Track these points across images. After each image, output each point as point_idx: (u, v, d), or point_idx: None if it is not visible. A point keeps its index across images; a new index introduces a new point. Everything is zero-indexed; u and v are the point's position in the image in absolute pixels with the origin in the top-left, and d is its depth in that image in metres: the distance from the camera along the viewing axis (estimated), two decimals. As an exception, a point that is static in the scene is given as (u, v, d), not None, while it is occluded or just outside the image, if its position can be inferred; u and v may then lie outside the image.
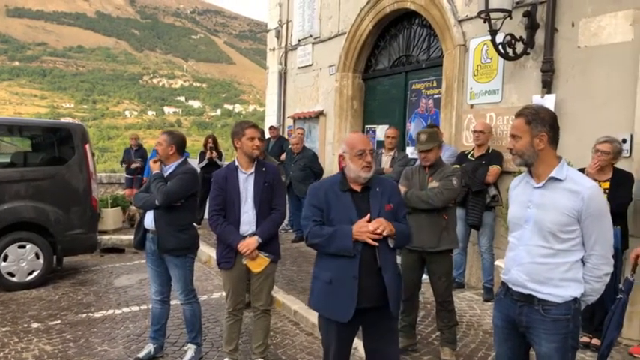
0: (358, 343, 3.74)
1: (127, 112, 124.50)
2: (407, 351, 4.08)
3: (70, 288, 6.15)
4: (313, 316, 4.64)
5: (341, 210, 2.79)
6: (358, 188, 2.85)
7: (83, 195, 6.54)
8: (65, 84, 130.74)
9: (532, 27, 5.25)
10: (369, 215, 2.74)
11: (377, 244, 2.69)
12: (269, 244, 3.71)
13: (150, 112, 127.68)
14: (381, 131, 7.65)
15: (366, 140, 2.92)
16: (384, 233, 2.68)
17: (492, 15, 5.11)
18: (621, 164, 4.27)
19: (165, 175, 3.96)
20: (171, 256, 3.92)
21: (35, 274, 6.14)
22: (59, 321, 5.00)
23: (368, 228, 2.67)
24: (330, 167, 8.43)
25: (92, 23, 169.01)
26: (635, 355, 4.05)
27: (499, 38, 5.28)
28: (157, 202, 3.81)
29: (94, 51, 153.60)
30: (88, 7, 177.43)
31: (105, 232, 8.65)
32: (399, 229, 2.80)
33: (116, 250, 8.31)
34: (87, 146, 6.63)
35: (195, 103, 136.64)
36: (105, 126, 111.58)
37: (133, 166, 10.62)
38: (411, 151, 6.86)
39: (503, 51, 5.31)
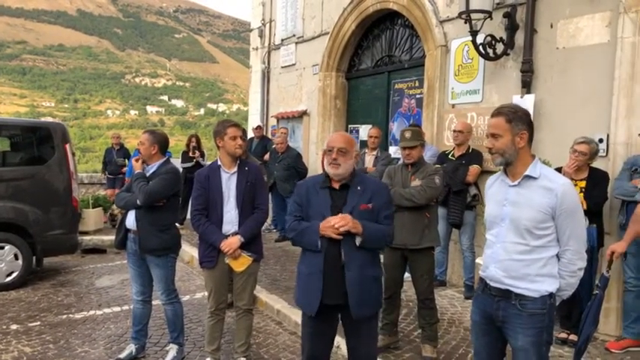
0: (341, 342, 3.77)
1: (109, 112, 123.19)
2: (389, 349, 4.12)
3: (50, 289, 6.07)
4: (296, 315, 4.65)
5: (317, 206, 2.85)
6: (337, 185, 2.87)
7: (63, 195, 6.46)
8: (45, 83, 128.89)
9: (512, 28, 5.33)
10: (341, 213, 2.77)
11: (340, 237, 2.71)
12: (252, 243, 3.71)
13: (132, 112, 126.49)
14: (364, 131, 7.69)
15: (341, 138, 2.90)
16: (342, 229, 2.68)
17: (473, 16, 5.17)
18: (597, 163, 4.36)
19: (148, 174, 3.93)
20: (152, 256, 3.89)
21: (14, 275, 6.04)
22: (39, 322, 4.94)
23: (330, 223, 2.70)
24: (313, 166, 8.44)
25: (73, 21, 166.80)
26: (612, 351, 4.13)
27: (480, 39, 5.34)
28: (138, 202, 3.79)
29: (75, 49, 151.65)
30: (69, 5, 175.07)
31: (86, 233, 8.55)
32: (371, 229, 2.76)
33: (97, 250, 8.22)
34: (67, 146, 6.55)
35: (179, 103, 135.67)
36: (86, 126, 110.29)
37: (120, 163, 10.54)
38: (393, 151, 6.91)
39: (483, 51, 5.37)
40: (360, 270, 2.76)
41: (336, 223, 2.69)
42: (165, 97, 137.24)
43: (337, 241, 2.72)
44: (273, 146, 8.34)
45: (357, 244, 2.74)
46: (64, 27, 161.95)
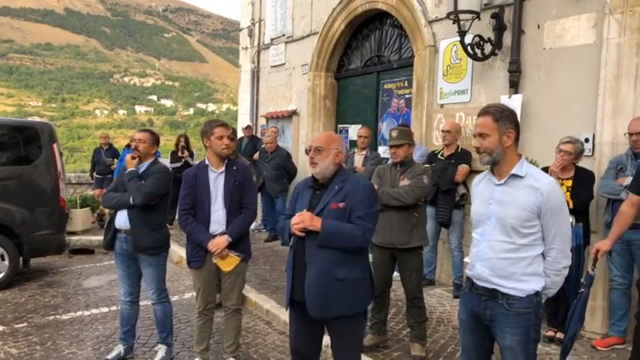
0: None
1: (97, 112, 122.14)
2: (378, 348, 4.13)
3: (37, 290, 6.02)
4: (285, 315, 4.64)
5: (300, 205, 2.89)
6: (318, 185, 2.92)
7: (51, 195, 6.42)
8: (33, 82, 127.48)
9: (500, 28, 5.36)
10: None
11: (302, 234, 2.73)
12: (239, 243, 3.71)
13: (121, 112, 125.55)
14: (354, 131, 7.70)
15: (321, 137, 2.93)
16: (295, 227, 2.72)
17: (461, 16, 5.20)
18: (583, 163, 4.40)
19: (139, 172, 3.93)
20: (145, 255, 3.89)
21: (0, 276, 5.98)
22: (25, 324, 4.89)
23: (294, 221, 2.75)
24: (303, 166, 8.44)
25: (61, 20, 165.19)
26: (598, 348, 4.18)
27: (468, 39, 5.37)
28: (134, 201, 3.79)
29: (62, 48, 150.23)
30: (57, 3, 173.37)
31: (74, 233, 8.48)
32: (332, 227, 2.70)
33: (85, 251, 8.16)
34: (54, 145, 6.51)
35: (168, 102, 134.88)
36: (74, 125, 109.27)
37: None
38: (382, 150, 6.93)
39: (471, 52, 5.40)
40: (321, 269, 2.71)
41: (296, 222, 2.74)
42: (155, 97, 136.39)
43: (304, 238, 2.77)
44: (263, 146, 8.33)
45: (318, 242, 2.71)
46: (51, 26, 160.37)
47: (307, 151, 2.92)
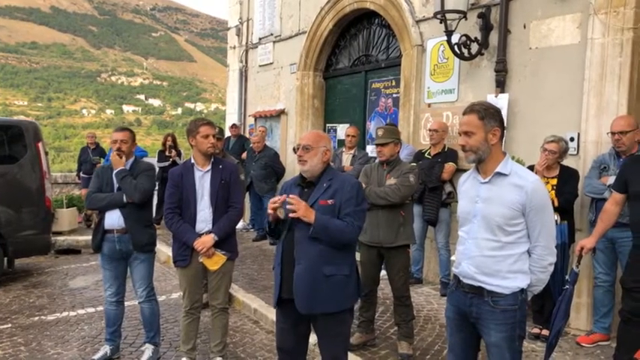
0: (317, 339, 3.77)
1: (84, 111, 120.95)
2: (365, 346, 4.14)
3: (22, 291, 5.95)
4: (273, 314, 4.64)
5: (287, 203, 2.85)
6: (306, 183, 2.93)
7: (36, 195, 6.35)
8: (18, 81, 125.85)
9: (486, 28, 5.40)
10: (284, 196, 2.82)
11: (295, 215, 2.70)
12: (226, 241, 3.70)
13: (108, 111, 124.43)
14: (342, 130, 7.71)
15: (309, 136, 2.94)
16: (291, 214, 2.69)
17: (448, 16, 5.22)
18: (568, 161, 4.45)
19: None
20: (141, 252, 3.91)
21: (-16, 277, 5.92)
22: (10, 325, 4.84)
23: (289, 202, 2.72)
24: (291, 166, 8.43)
25: (47, 18, 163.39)
26: (583, 345, 4.22)
27: (455, 39, 5.39)
28: (132, 199, 3.81)
29: (48, 47, 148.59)
30: (42, 1, 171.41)
31: (60, 233, 8.40)
32: (322, 220, 2.72)
33: (72, 251, 8.09)
34: (39, 144, 6.44)
35: (156, 102, 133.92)
36: (61, 125, 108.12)
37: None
38: (370, 150, 6.94)
39: (458, 51, 5.43)
40: (309, 265, 2.74)
41: (276, 201, 2.76)
42: (142, 97, 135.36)
43: (293, 233, 2.79)
44: (250, 145, 8.31)
45: (310, 233, 2.72)
46: (37, 24, 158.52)
47: (295, 150, 2.92)
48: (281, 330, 2.97)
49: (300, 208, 2.71)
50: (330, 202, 2.80)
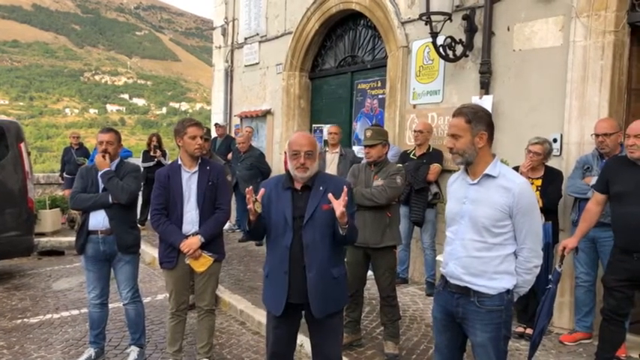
0: (305, 340, 3.78)
1: (67, 110, 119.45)
2: (352, 346, 4.15)
3: (4, 293, 5.86)
4: (260, 315, 4.65)
5: (279, 207, 2.83)
6: (299, 186, 2.85)
7: (18, 195, 6.27)
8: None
9: (471, 30, 5.45)
10: (304, 214, 2.77)
11: (251, 207, 2.67)
12: (213, 243, 3.68)
13: (92, 110, 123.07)
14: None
15: (306, 140, 2.85)
16: (339, 210, 2.61)
17: (433, 17, 5.26)
18: (552, 162, 4.51)
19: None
20: (125, 253, 3.88)
21: (-35, 279, 5.83)
22: (-8, 328, 4.77)
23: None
24: (277, 166, 8.42)
25: (28, 16, 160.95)
26: (566, 343, 4.28)
27: (440, 40, 5.43)
28: (119, 200, 3.78)
29: (30, 45, 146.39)
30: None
31: (43, 234, 8.29)
32: (352, 223, 2.78)
33: (55, 252, 7.99)
34: (22, 145, 6.36)
35: (140, 101, 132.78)
36: (43, 124, 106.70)
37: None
38: (357, 150, 6.96)
39: (443, 53, 5.47)
40: (320, 269, 2.77)
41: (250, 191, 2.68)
42: (126, 96, 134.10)
43: (301, 240, 2.75)
44: (236, 145, 8.28)
45: (342, 233, 2.71)
46: (18, 22, 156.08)
47: (292, 155, 2.80)
48: (278, 335, 2.91)
49: (340, 207, 2.62)
50: (331, 206, 2.73)
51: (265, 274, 2.96)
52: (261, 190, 2.80)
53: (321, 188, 2.82)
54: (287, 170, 2.94)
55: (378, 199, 3.93)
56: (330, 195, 2.66)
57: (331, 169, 6.22)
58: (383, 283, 4.08)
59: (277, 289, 2.82)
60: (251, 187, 2.72)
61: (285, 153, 2.93)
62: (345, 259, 3.55)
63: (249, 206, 2.72)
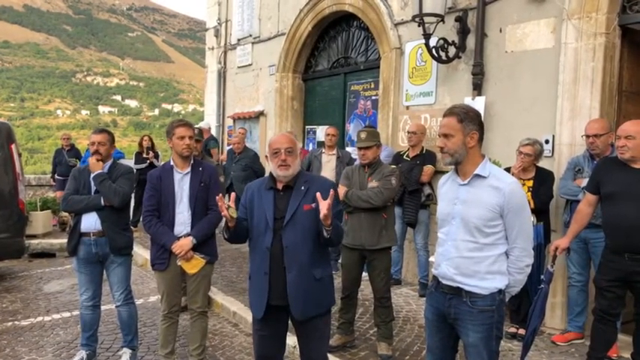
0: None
1: (58, 112, 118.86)
2: (345, 348, 4.15)
3: (-5, 296, 5.82)
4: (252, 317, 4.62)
5: (261, 208, 2.82)
6: (281, 186, 2.83)
7: (9, 197, 6.22)
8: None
9: (463, 32, 5.47)
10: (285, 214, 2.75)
11: (226, 214, 2.65)
12: (205, 244, 3.66)
13: (84, 112, 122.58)
14: (322, 132, 7.72)
15: (285, 139, 2.84)
16: (223, 207, 2.65)
17: (426, 19, 5.27)
18: (544, 163, 4.53)
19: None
20: (118, 255, 3.86)
21: (-45, 281, 5.77)
22: (-18, 331, 4.72)
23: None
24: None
25: (20, 17, 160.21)
26: (558, 343, 4.30)
27: (433, 42, 5.45)
28: (111, 203, 3.76)
29: (21, 46, 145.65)
30: (15, 0, 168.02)
31: (34, 237, 8.23)
32: (337, 223, 2.75)
33: (46, 254, 7.93)
34: (12, 146, 6.31)
35: (132, 103, 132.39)
36: (34, 126, 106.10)
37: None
38: (350, 151, 6.96)
39: (436, 54, 5.49)
40: (301, 271, 2.73)
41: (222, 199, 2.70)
42: (119, 97, 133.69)
43: (281, 240, 2.73)
44: (230, 146, 8.26)
45: (326, 235, 2.67)
46: (9, 23, 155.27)
47: (273, 155, 2.79)
48: (262, 338, 2.90)
49: (324, 209, 2.58)
50: (313, 205, 2.74)
51: (248, 275, 2.95)
52: (232, 195, 2.79)
53: (302, 188, 2.81)
54: (270, 172, 2.91)
55: (375, 201, 3.93)
56: (318, 194, 2.63)
57: (327, 170, 6.20)
58: (378, 284, 4.08)
59: (258, 291, 2.81)
60: (221, 195, 2.74)
61: (267, 156, 2.89)
62: (340, 261, 3.55)
63: (223, 213, 2.68)
